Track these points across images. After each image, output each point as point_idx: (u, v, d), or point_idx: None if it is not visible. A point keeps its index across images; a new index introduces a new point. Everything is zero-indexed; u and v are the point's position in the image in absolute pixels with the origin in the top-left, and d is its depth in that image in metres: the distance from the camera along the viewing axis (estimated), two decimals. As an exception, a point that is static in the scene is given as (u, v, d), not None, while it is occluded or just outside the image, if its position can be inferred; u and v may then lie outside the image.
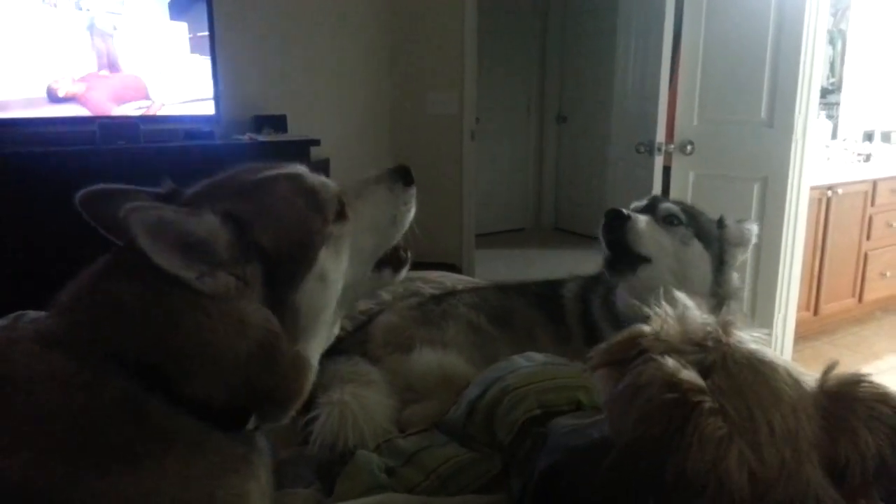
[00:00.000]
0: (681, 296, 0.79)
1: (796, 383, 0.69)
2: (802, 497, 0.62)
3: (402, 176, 1.07)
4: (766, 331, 0.77)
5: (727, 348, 0.70)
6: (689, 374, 0.66)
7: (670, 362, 0.67)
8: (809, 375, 0.71)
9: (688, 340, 0.72)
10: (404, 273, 1.10)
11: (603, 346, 0.78)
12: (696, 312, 0.77)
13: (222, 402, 0.81)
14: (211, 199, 0.86)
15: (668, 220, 1.57)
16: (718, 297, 1.56)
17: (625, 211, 1.55)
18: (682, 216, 1.58)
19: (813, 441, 0.65)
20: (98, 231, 0.91)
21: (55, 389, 0.73)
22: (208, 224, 0.79)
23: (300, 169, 0.96)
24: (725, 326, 0.74)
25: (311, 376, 0.91)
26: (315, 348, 0.94)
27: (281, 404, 0.88)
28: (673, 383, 0.65)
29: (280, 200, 0.88)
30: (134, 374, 0.76)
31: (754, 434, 0.63)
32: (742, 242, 1.61)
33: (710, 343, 0.71)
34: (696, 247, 1.56)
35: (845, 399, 0.68)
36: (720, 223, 1.62)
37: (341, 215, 0.94)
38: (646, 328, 0.75)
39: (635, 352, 0.73)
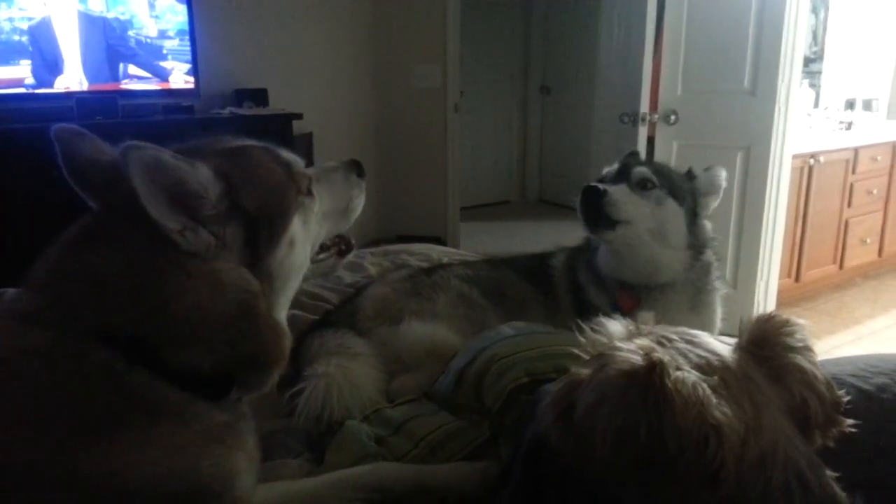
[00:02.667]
0: (598, 319, 0.78)
1: (728, 345, 0.70)
2: (773, 450, 0.61)
3: (356, 167, 1.14)
4: (682, 330, 0.78)
5: (656, 331, 0.71)
6: (640, 341, 0.66)
7: (621, 346, 0.67)
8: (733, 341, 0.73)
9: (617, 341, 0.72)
10: (350, 257, 1.18)
11: (549, 402, 0.75)
12: (613, 324, 0.77)
13: (207, 369, 0.81)
14: (194, 156, 0.85)
15: (641, 185, 1.61)
16: (695, 248, 1.63)
17: (600, 186, 1.59)
18: (655, 178, 1.62)
19: (767, 392, 0.65)
20: (71, 202, 0.88)
21: (36, 366, 0.73)
22: (202, 176, 0.80)
23: (269, 144, 0.99)
24: (643, 322, 0.75)
25: (288, 342, 0.92)
26: (284, 315, 0.96)
27: (264, 369, 0.89)
28: (629, 360, 0.64)
29: (262, 166, 0.91)
30: (116, 346, 0.76)
31: (712, 387, 0.62)
32: (713, 190, 1.66)
33: (635, 334, 0.72)
34: (671, 205, 1.61)
35: (767, 340, 0.69)
36: (690, 175, 1.67)
37: (309, 191, 0.98)
38: (581, 369, 0.73)
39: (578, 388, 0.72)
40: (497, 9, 6.50)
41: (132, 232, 0.76)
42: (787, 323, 0.70)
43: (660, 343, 0.68)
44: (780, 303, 3.56)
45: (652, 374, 0.61)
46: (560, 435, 0.73)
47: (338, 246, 1.14)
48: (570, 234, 1.82)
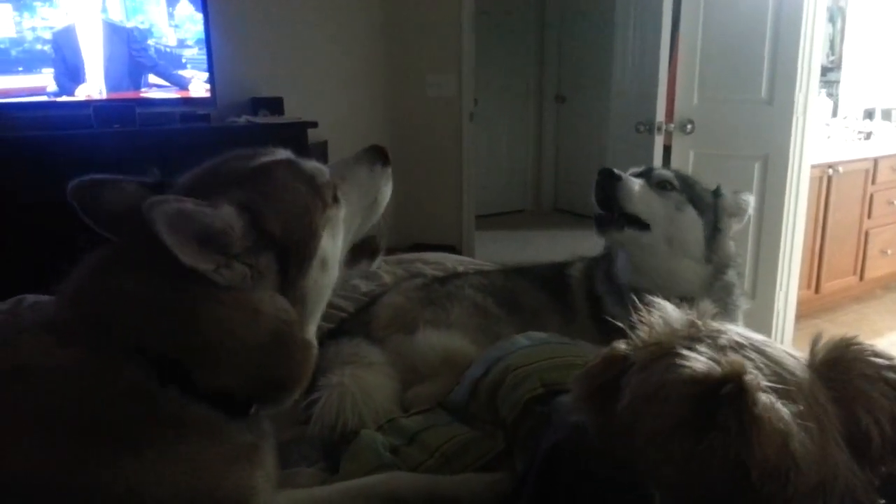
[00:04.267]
0: (655, 299, 0.75)
1: (795, 358, 0.67)
2: (833, 478, 0.59)
3: (380, 156, 1.09)
4: (748, 334, 0.74)
5: (724, 335, 0.67)
6: (731, 358, 0.61)
7: (700, 355, 0.61)
8: (801, 352, 0.69)
9: (679, 338, 0.68)
10: (379, 261, 1.12)
11: (580, 374, 0.72)
12: (674, 310, 0.74)
13: (234, 390, 0.81)
14: (214, 188, 0.85)
15: (661, 186, 1.60)
16: (714, 263, 1.60)
17: (616, 171, 1.58)
18: (676, 182, 1.61)
19: (832, 417, 0.62)
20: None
21: (67, 381, 0.74)
22: (225, 215, 0.79)
23: (289, 154, 0.96)
24: (704, 316, 0.71)
25: (314, 359, 0.92)
26: (314, 330, 0.95)
27: (288, 389, 0.89)
28: (704, 369, 0.59)
29: (284, 188, 0.89)
30: (148, 365, 0.76)
31: (794, 414, 0.59)
32: (737, 213, 1.64)
33: (702, 335, 0.68)
34: (690, 213, 1.59)
35: (842, 364, 0.66)
36: (716, 193, 1.65)
37: (335, 199, 0.95)
38: (621, 345, 0.70)
39: (618, 371, 0.68)
40: (511, 17, 6.52)
41: (168, 259, 0.75)
42: (867, 351, 0.67)
43: (732, 349, 0.64)
44: (800, 314, 3.51)
45: (741, 397, 0.57)
46: (592, 417, 0.70)
47: (366, 252, 1.10)
48: (585, 242, 1.81)
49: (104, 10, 3.48)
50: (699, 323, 0.70)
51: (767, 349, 0.66)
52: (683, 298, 1.56)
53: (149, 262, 0.77)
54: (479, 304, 1.62)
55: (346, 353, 1.45)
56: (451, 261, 2.35)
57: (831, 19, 4.73)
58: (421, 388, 1.42)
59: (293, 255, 0.86)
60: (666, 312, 0.73)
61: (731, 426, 0.56)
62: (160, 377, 0.76)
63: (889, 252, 4.38)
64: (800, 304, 3.50)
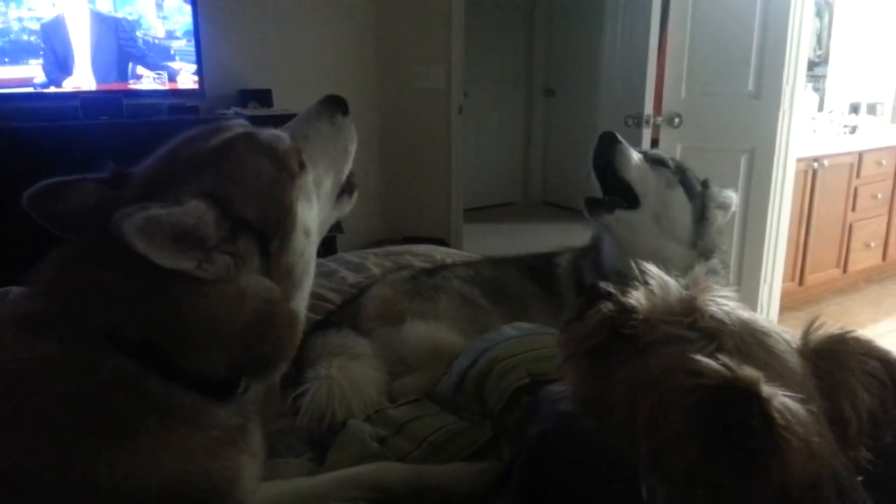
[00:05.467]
0: (654, 268, 0.72)
1: (791, 348, 0.66)
2: (821, 464, 0.59)
3: (339, 106, 1.06)
4: (733, 287, 0.73)
5: (726, 326, 0.65)
6: (748, 371, 0.57)
7: (716, 360, 0.58)
8: (793, 335, 0.69)
9: (678, 325, 0.66)
10: (356, 194, 1.10)
11: (569, 330, 0.70)
12: (673, 283, 0.72)
13: (222, 371, 0.81)
14: (175, 179, 0.83)
15: (655, 162, 1.65)
16: (699, 248, 1.64)
17: (618, 136, 1.64)
18: (670, 162, 1.67)
19: (819, 403, 0.62)
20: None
21: (46, 374, 0.73)
22: (195, 210, 0.77)
23: (246, 125, 0.94)
24: (702, 292, 0.69)
25: (301, 328, 0.91)
26: (303, 298, 0.94)
27: (275, 363, 0.89)
28: (737, 386, 0.56)
29: (248, 168, 0.86)
30: (130, 354, 0.76)
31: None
32: (723, 206, 1.68)
33: (703, 322, 0.66)
34: (680, 193, 1.63)
35: (835, 356, 0.66)
36: (705, 184, 1.69)
37: (301, 165, 0.93)
38: (609, 306, 0.68)
39: (606, 336, 0.67)
40: (501, 10, 6.50)
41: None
42: (862, 347, 0.66)
43: (736, 348, 0.63)
44: (784, 306, 3.55)
45: (763, 416, 0.54)
46: (576, 384, 0.69)
47: (344, 189, 1.07)
48: (574, 235, 1.82)
49: (91, 0, 3.45)
50: (704, 311, 0.67)
51: (772, 346, 0.65)
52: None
53: (123, 255, 0.75)
54: (467, 295, 1.63)
55: (334, 344, 1.46)
56: (439, 253, 2.35)
57: (819, 14, 4.76)
58: (408, 379, 1.43)
59: (272, 233, 0.85)
60: (664, 283, 0.70)
61: (760, 447, 0.55)
62: (143, 366, 0.76)
63: (872, 245, 4.43)
64: (784, 296, 3.53)
